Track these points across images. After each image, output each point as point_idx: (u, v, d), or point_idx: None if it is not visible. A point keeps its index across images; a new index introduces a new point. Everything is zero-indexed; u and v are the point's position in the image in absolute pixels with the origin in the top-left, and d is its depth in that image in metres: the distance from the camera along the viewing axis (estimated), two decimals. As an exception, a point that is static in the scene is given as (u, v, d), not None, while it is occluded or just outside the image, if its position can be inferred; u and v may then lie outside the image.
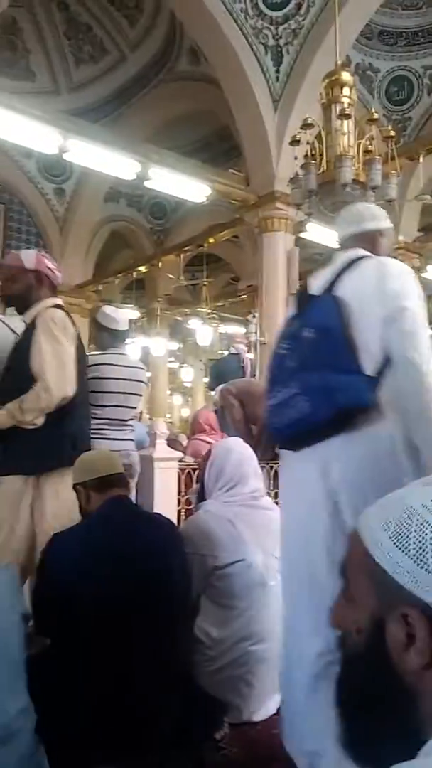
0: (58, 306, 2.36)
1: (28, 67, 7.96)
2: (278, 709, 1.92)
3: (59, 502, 2.16)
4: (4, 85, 7.48)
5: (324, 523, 1.44)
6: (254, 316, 6.15)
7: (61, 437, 2.22)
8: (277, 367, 1.57)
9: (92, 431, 2.95)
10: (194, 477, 3.78)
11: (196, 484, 4.17)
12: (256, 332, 5.98)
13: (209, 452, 2.27)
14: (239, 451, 2.23)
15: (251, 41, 5.93)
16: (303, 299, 1.64)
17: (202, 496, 2.16)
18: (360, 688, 0.68)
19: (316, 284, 1.64)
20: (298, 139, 4.42)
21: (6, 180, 8.68)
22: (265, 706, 1.89)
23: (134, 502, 2.43)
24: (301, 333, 1.52)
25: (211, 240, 7.52)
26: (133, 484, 3.14)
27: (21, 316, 2.44)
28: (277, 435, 1.61)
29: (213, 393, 5.43)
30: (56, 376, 2.16)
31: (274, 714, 1.90)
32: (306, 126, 4.41)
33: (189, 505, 4.05)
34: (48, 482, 2.19)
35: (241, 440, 2.35)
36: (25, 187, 8.83)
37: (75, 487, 1.97)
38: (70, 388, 2.19)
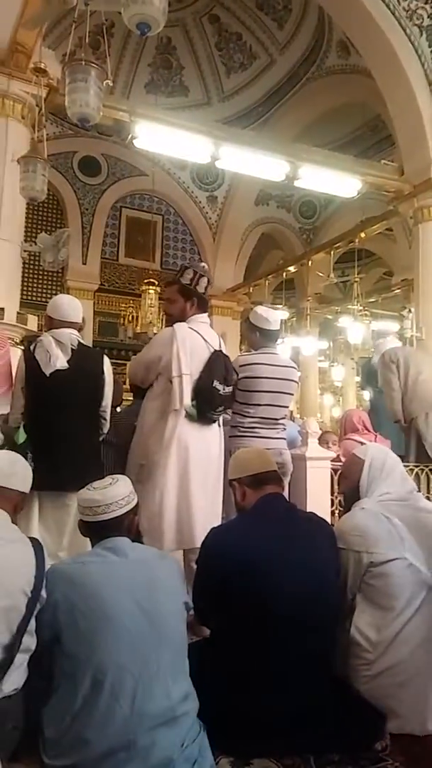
0: None
1: (182, 82, 8.35)
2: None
3: None
4: (160, 102, 7.95)
5: None
6: (410, 311, 5.85)
7: None
8: None
9: (245, 429, 3.02)
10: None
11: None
12: (411, 328, 5.69)
13: (359, 452, 2.22)
14: (391, 452, 2.17)
15: (404, 24, 5.65)
16: None
17: (352, 497, 2.11)
18: None
19: None
20: (458, 120, 4.14)
21: (163, 192, 9.19)
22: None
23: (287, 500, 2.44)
24: None
25: (363, 235, 7.28)
26: (285, 482, 3.16)
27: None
28: None
29: (364, 392, 5.27)
30: None
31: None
32: (467, 105, 4.11)
33: (342, 506, 3.97)
34: None
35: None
36: (180, 197, 9.28)
37: (231, 482, 2.04)
38: None
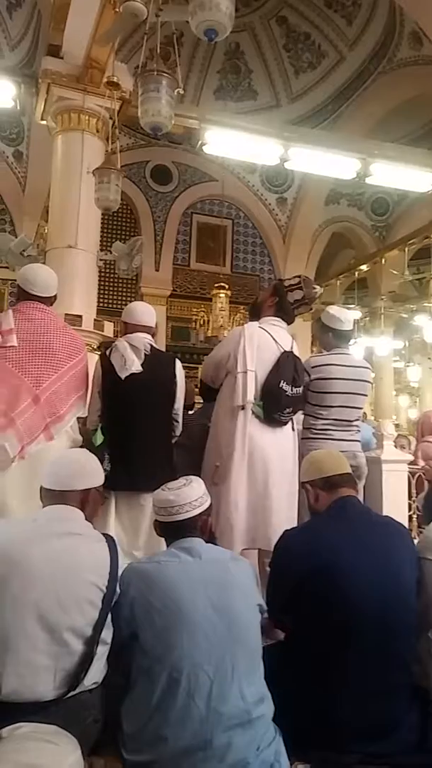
0: None
1: (251, 86, 8.37)
2: None
3: None
4: (229, 107, 8.01)
5: None
6: None
7: None
8: None
9: (318, 432, 2.98)
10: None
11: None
12: None
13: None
14: None
15: None
16: None
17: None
18: None
19: None
20: None
21: (233, 196, 9.24)
22: None
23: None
24: None
25: (439, 230, 7.04)
26: (360, 486, 3.09)
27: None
28: None
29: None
30: None
31: None
32: None
33: (420, 511, 3.84)
34: None
35: None
36: (250, 200, 9.29)
37: (303, 485, 2.01)
38: None
